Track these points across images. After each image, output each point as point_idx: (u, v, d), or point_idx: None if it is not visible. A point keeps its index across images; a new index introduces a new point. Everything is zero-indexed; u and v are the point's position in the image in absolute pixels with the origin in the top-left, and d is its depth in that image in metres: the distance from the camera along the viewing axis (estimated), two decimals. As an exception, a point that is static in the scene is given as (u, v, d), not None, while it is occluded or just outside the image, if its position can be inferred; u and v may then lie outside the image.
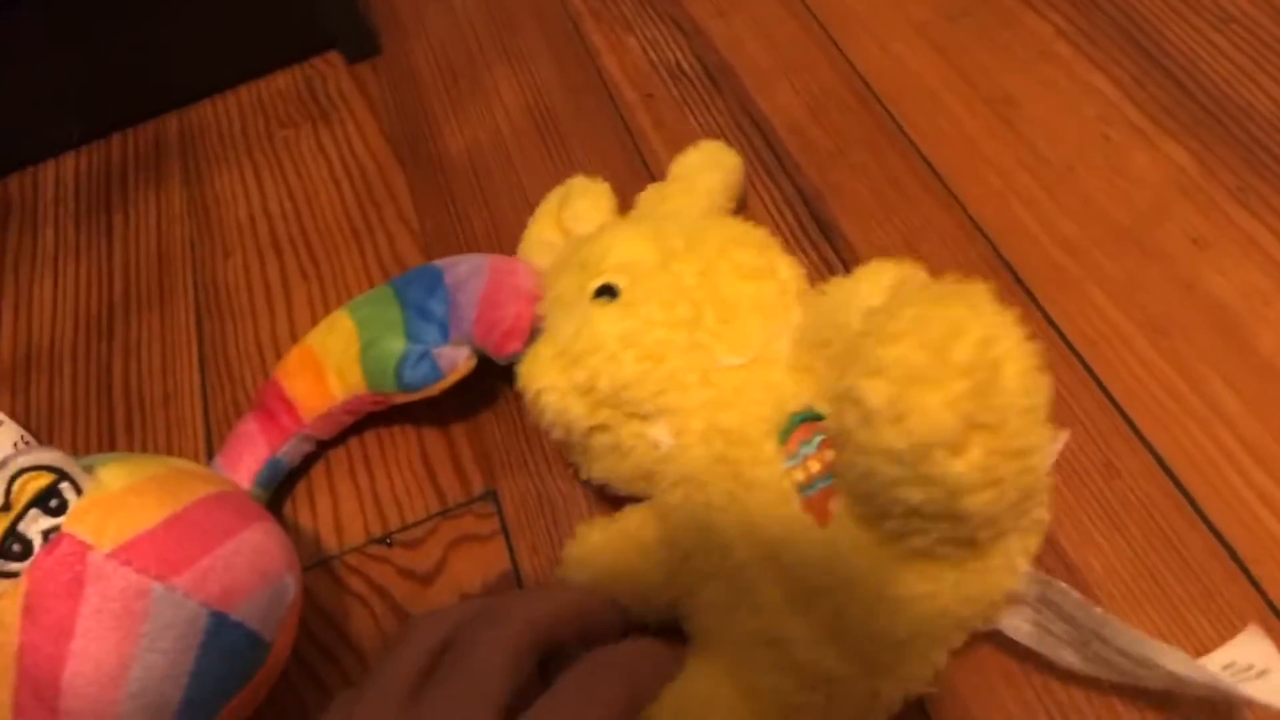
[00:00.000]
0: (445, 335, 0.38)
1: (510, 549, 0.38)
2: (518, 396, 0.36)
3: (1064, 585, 0.29)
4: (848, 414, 0.26)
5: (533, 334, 0.37)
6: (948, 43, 0.48)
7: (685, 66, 0.51)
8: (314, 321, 0.46)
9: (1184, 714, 0.30)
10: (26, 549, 0.30)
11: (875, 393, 0.25)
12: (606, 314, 0.33)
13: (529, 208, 0.43)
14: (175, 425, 0.44)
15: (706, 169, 0.40)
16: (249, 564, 0.32)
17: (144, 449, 0.44)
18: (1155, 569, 0.32)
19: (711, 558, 0.30)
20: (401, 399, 0.39)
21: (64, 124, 0.56)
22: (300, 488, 0.41)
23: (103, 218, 0.54)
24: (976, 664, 0.32)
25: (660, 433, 0.32)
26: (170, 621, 0.30)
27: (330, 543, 0.39)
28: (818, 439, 0.31)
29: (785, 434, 0.31)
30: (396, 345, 0.38)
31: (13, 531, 0.30)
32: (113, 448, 0.44)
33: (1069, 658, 0.30)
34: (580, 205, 0.41)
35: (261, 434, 0.40)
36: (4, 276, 0.52)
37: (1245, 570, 0.32)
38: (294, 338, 0.46)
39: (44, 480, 0.31)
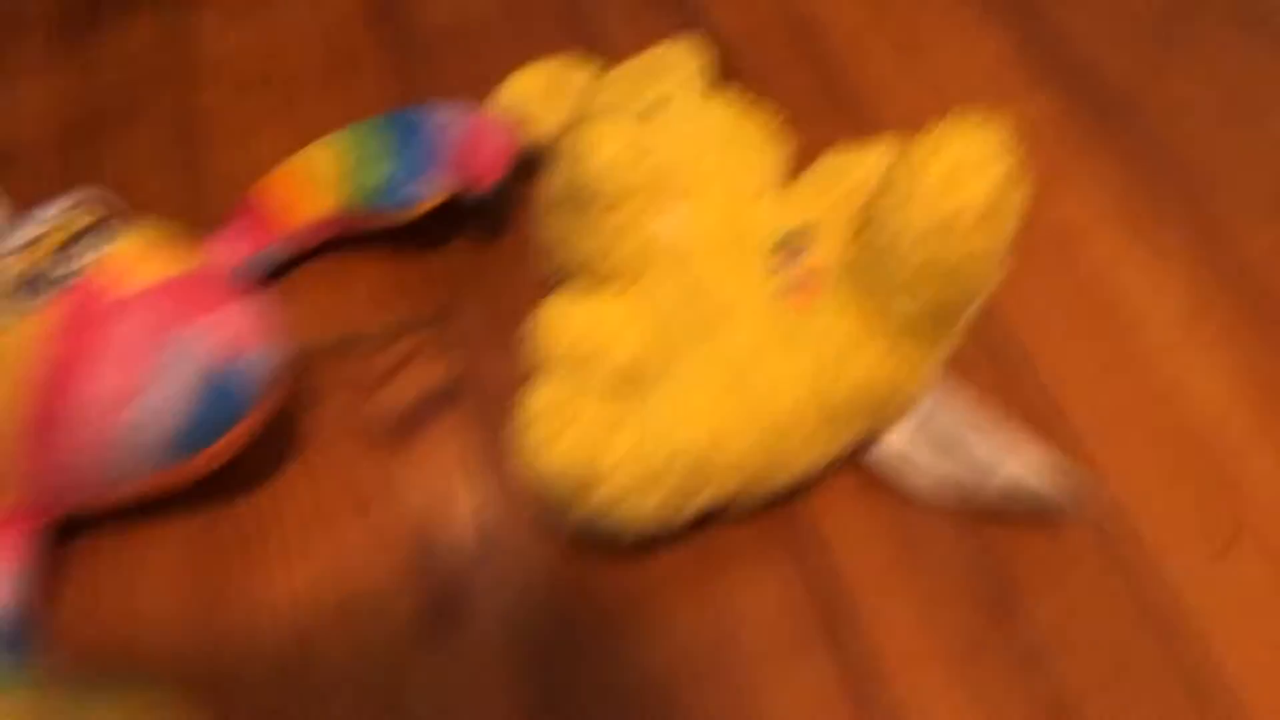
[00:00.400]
0: (430, 164, 0.43)
1: (454, 368, 0.44)
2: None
3: (947, 390, 0.38)
4: (891, 189, 0.34)
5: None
6: None
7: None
8: (290, 153, 0.50)
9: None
10: (63, 281, 0.34)
11: (934, 164, 0.33)
12: (661, 120, 0.40)
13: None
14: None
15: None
16: (246, 327, 0.37)
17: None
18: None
19: (696, 317, 0.37)
20: (378, 223, 0.44)
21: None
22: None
23: (76, 38, 0.56)
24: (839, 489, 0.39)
25: (669, 221, 0.38)
26: (175, 364, 0.35)
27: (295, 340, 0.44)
28: (801, 255, 0.38)
29: (776, 249, 0.38)
30: (382, 167, 0.43)
31: (58, 262, 0.34)
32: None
33: (921, 481, 0.38)
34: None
35: (236, 239, 0.44)
36: (-23, 78, 0.55)
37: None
38: (268, 168, 0.50)
39: (90, 218, 0.35)
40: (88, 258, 0.35)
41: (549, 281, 0.42)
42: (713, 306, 0.37)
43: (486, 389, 0.43)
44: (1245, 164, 0.48)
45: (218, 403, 0.36)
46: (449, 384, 0.43)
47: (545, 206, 0.41)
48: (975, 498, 0.38)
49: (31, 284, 0.34)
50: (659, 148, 0.39)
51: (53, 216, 0.35)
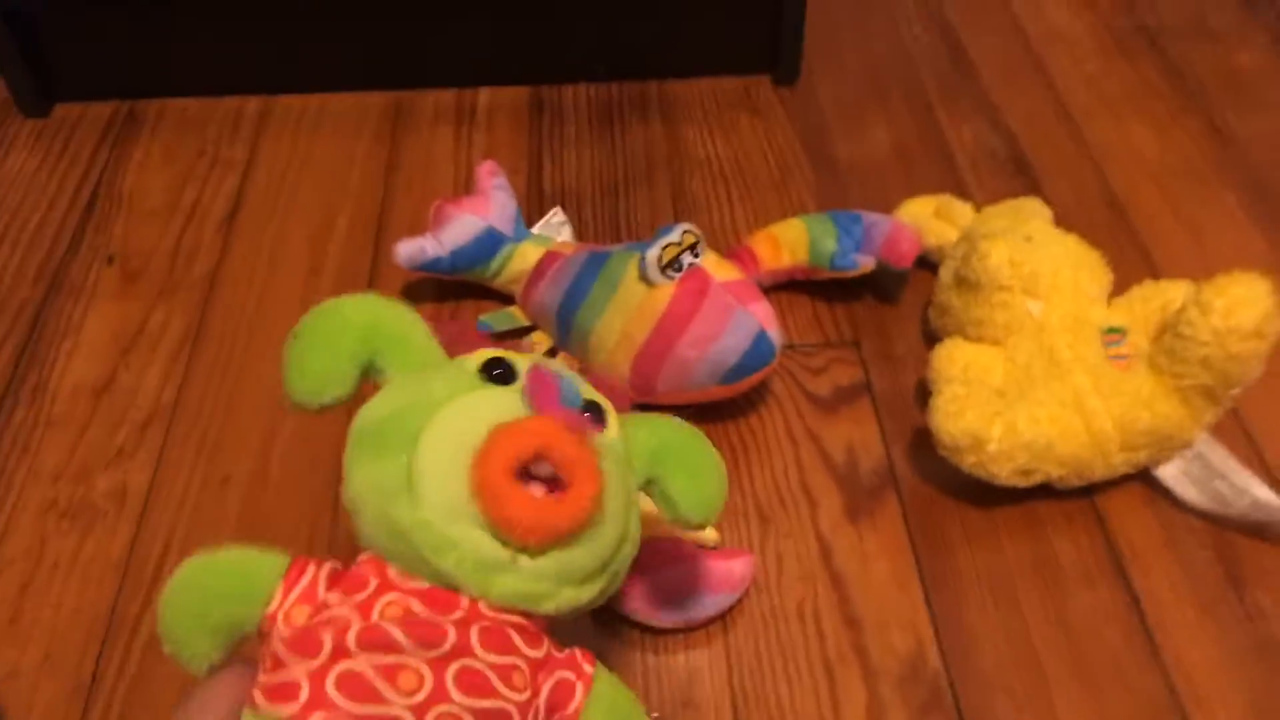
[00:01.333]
0: (858, 248, 0.67)
1: (865, 372, 0.66)
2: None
3: (1214, 440, 0.58)
4: (1190, 308, 0.54)
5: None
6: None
7: (998, 152, 0.81)
8: (748, 223, 0.75)
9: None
10: (680, 268, 0.59)
11: (1217, 301, 0.53)
12: (1035, 246, 0.62)
13: (890, 205, 0.72)
14: (661, 256, 0.73)
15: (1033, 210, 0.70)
16: (771, 314, 0.60)
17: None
18: None
19: (1041, 368, 0.58)
20: (825, 275, 0.68)
21: (596, 66, 0.87)
22: (740, 308, 0.70)
23: (606, 129, 0.84)
24: (1132, 497, 0.59)
25: (1036, 306, 0.60)
26: (740, 326, 0.58)
27: (758, 340, 0.68)
28: (1121, 340, 0.59)
29: (1105, 333, 0.60)
30: (831, 244, 0.67)
31: (676, 258, 0.59)
32: (619, 257, 0.73)
33: (1192, 494, 0.58)
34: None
35: (739, 269, 0.69)
36: (542, 143, 0.82)
37: None
38: (735, 232, 0.75)
39: (693, 239, 0.60)
40: (698, 257, 0.59)
41: (935, 333, 0.65)
42: (1060, 360, 0.59)
43: (879, 390, 0.65)
44: None
45: (757, 353, 0.59)
46: (856, 384, 0.65)
47: (945, 285, 0.64)
48: (1229, 509, 0.57)
49: (674, 264, 0.59)
50: (1031, 261, 0.61)
51: (679, 231, 0.59)
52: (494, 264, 0.68)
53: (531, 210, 0.76)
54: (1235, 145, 0.81)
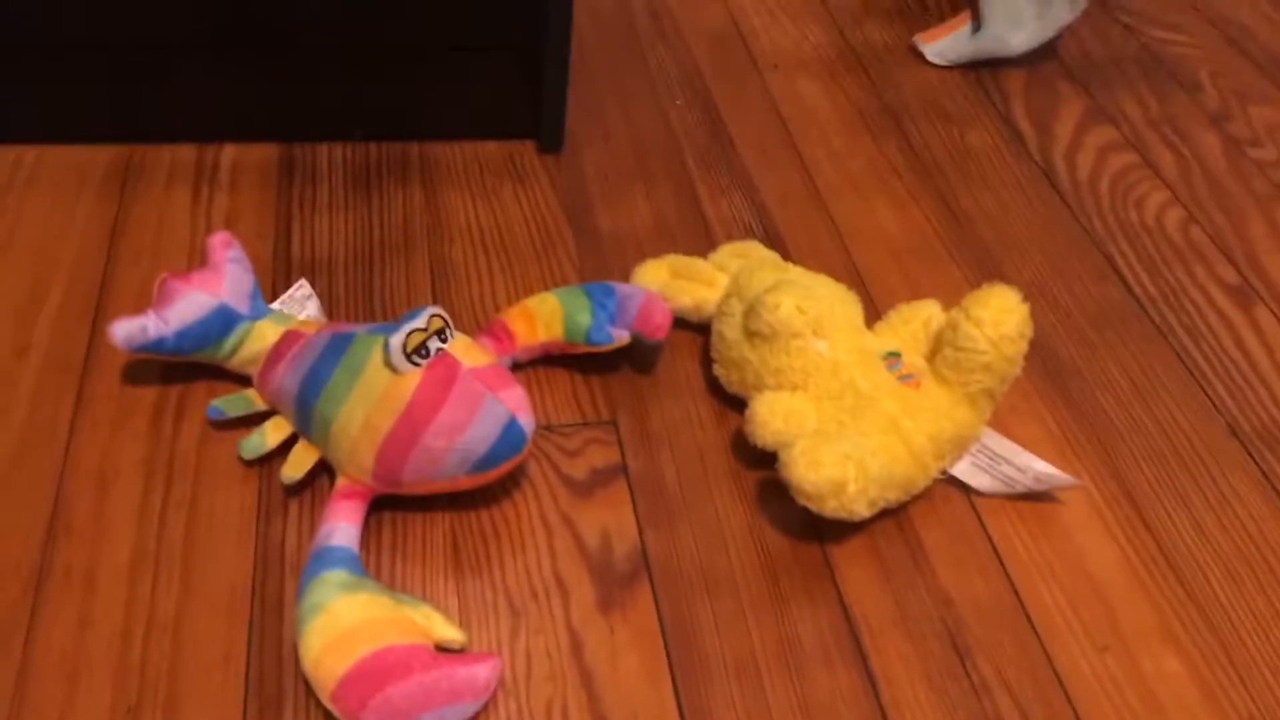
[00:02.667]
0: (613, 322, 0.67)
1: (622, 452, 0.66)
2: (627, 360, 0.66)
3: (993, 431, 0.65)
4: (965, 324, 0.62)
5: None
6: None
7: (754, 228, 0.83)
8: (507, 295, 0.74)
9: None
10: (427, 354, 0.57)
11: (985, 314, 0.61)
12: (810, 289, 0.65)
13: (663, 276, 0.73)
14: (415, 331, 0.71)
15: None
16: (523, 401, 0.59)
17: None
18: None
19: (850, 403, 0.62)
20: (580, 350, 0.67)
21: (352, 125, 0.83)
22: (497, 387, 0.68)
23: (363, 192, 0.81)
24: (867, 571, 0.61)
25: (824, 346, 0.63)
26: (489, 415, 0.57)
27: (514, 421, 0.66)
28: (899, 363, 0.65)
29: (884, 358, 0.65)
30: (586, 318, 0.67)
31: (423, 344, 0.57)
32: (371, 332, 0.70)
33: (984, 482, 0.65)
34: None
35: (492, 347, 0.67)
36: (292, 206, 0.78)
37: (1001, 558, 0.63)
38: (494, 301, 0.73)
39: (440, 323, 0.58)
40: (445, 342, 0.57)
41: (727, 388, 0.67)
42: (863, 392, 0.63)
43: (635, 471, 0.65)
44: (1138, 425, 0.73)
45: (507, 442, 0.57)
46: (612, 465, 0.65)
47: (733, 342, 0.67)
48: (1015, 487, 0.65)
49: (420, 350, 0.56)
50: (814, 304, 0.64)
51: (426, 315, 0.57)
52: (227, 344, 0.63)
53: (278, 281, 0.72)
54: (965, 223, 0.87)
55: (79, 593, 0.55)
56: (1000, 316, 0.62)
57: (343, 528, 0.56)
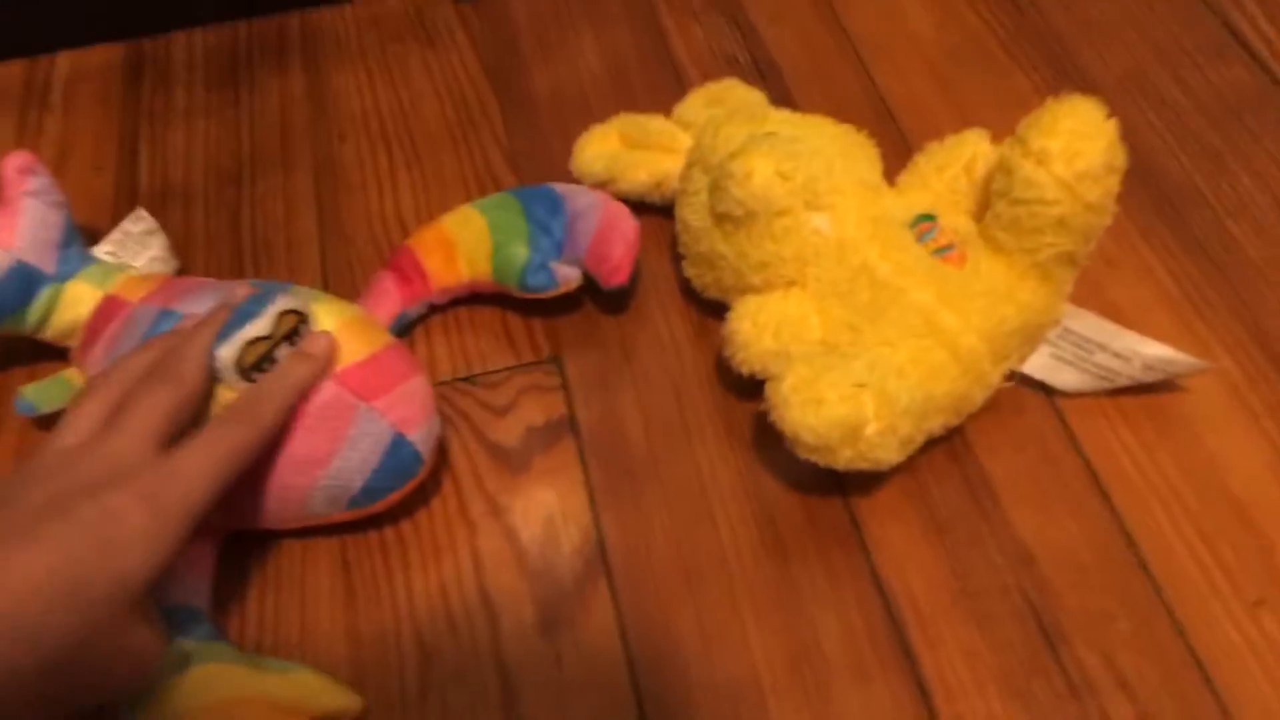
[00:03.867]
0: (559, 253, 0.49)
1: (568, 400, 0.49)
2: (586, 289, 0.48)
3: (1078, 308, 0.46)
4: (1025, 164, 0.41)
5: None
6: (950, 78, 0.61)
7: (739, 58, 0.63)
8: (416, 205, 0.57)
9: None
10: (274, 365, 0.40)
11: (1053, 145, 0.41)
12: (795, 142, 0.46)
13: (608, 146, 0.54)
14: (296, 267, 0.54)
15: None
16: (419, 401, 0.42)
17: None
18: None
19: (866, 298, 0.44)
20: (518, 294, 0.49)
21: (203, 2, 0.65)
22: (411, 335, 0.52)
23: (230, 88, 0.63)
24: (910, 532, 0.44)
25: (823, 221, 0.45)
26: (366, 432, 0.40)
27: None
28: (934, 229, 0.46)
29: (913, 226, 0.46)
30: (522, 251, 0.49)
31: (270, 354, 0.40)
32: (239, 277, 0.54)
33: (1071, 378, 0.47)
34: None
35: (397, 292, 0.50)
36: (139, 122, 0.61)
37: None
38: (398, 216, 0.56)
39: (293, 320, 0.41)
40: (286, 350, 0.41)
41: (701, 293, 0.50)
42: (882, 280, 0.44)
43: (587, 425, 0.48)
44: (1287, 257, 0.52)
45: (393, 469, 0.41)
46: (555, 421, 0.49)
47: (699, 231, 0.48)
48: (1117, 380, 0.47)
49: (266, 359, 0.40)
50: (801, 165, 0.45)
51: (271, 316, 0.40)
52: (30, 314, 0.48)
53: (122, 217, 0.56)
54: (1029, 8, 0.65)
55: None
56: (1075, 145, 0.41)
57: (183, 578, 0.41)
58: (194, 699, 0.37)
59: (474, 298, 0.52)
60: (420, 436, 0.42)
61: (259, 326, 0.40)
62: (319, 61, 0.64)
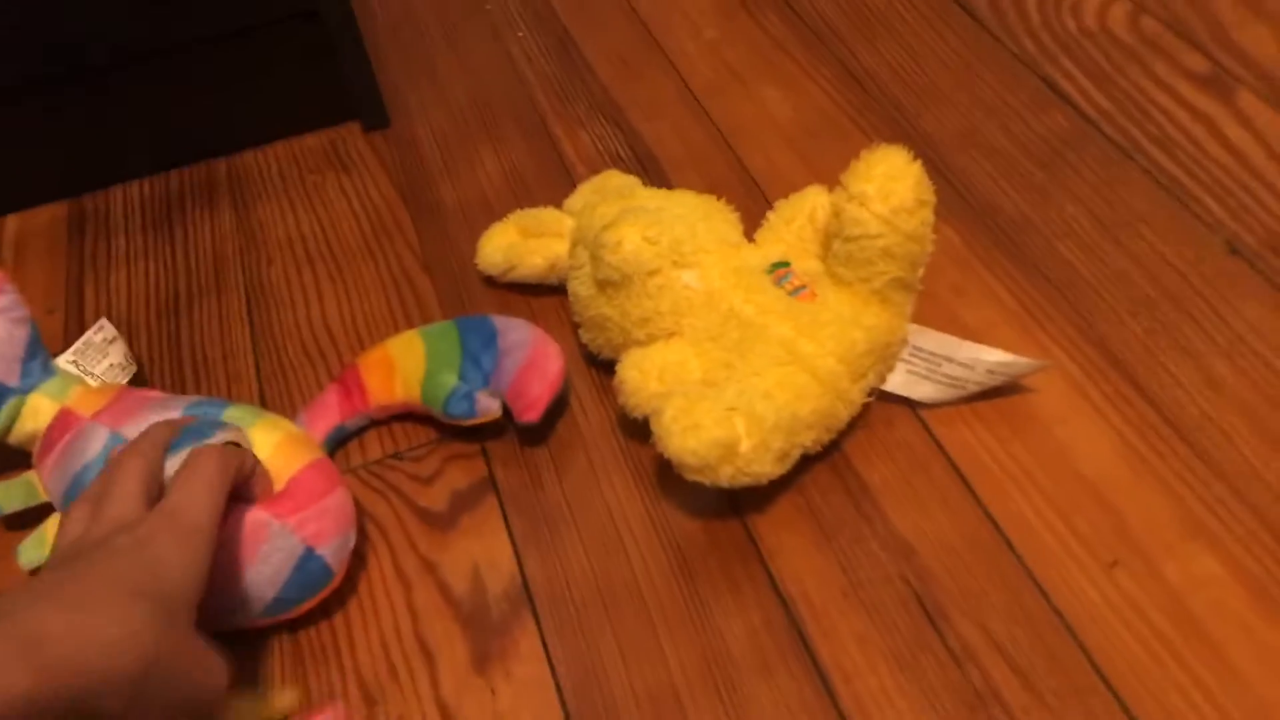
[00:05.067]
0: (487, 382, 0.54)
1: (487, 463, 0.54)
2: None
3: (922, 327, 0.52)
4: (849, 206, 0.48)
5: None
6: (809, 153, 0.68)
7: (622, 154, 0.71)
8: (340, 312, 0.63)
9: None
10: None
11: (869, 188, 0.48)
12: (659, 212, 0.53)
13: (508, 241, 0.61)
14: (233, 378, 0.60)
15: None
16: (333, 517, 0.47)
17: (209, 395, 0.59)
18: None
19: (735, 337, 0.50)
20: (443, 420, 0.54)
21: (141, 159, 0.72)
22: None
23: (165, 231, 0.69)
24: (799, 537, 0.49)
25: (691, 276, 0.51)
26: (279, 547, 0.45)
27: (357, 457, 0.55)
28: (789, 273, 0.52)
29: (770, 272, 0.52)
30: (450, 380, 0.54)
31: None
32: (183, 392, 0.59)
33: (927, 390, 0.52)
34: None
35: (337, 406, 0.55)
36: (84, 267, 0.67)
37: (965, 481, 0.50)
38: (324, 323, 0.62)
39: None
40: None
41: (598, 354, 0.56)
42: (748, 320, 0.51)
43: (505, 483, 0.53)
44: (1115, 271, 0.59)
45: (302, 582, 0.46)
46: (477, 483, 0.53)
47: (587, 299, 0.55)
48: (967, 388, 0.53)
49: None
50: (665, 231, 0.51)
51: (221, 439, 0.46)
52: (-3, 421, 0.52)
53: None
54: (871, 85, 0.73)
55: None
56: (888, 185, 0.48)
57: None
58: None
59: (409, 417, 0.57)
60: (331, 550, 0.46)
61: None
62: (245, 197, 0.71)
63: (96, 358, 0.57)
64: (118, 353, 0.58)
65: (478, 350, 0.54)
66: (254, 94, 0.72)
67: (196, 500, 0.40)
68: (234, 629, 0.47)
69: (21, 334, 0.54)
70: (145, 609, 0.36)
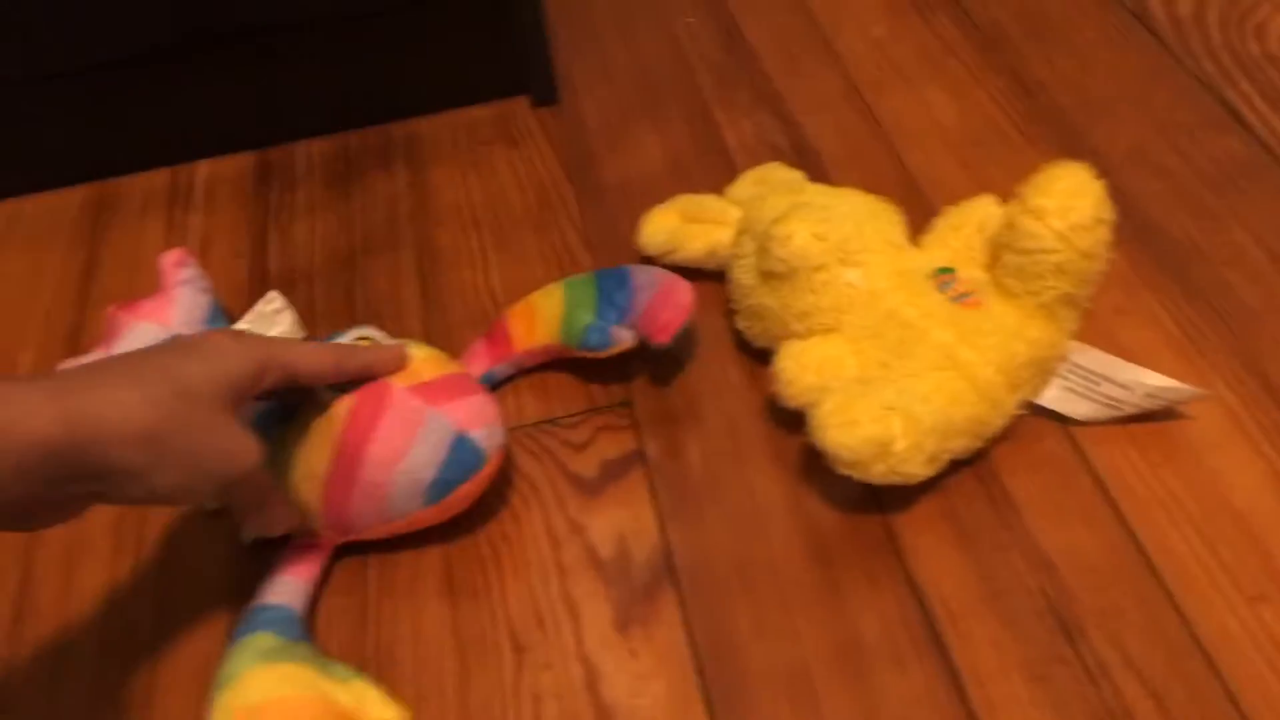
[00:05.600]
0: (622, 318, 0.57)
1: (638, 436, 0.56)
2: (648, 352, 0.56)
3: (1084, 345, 0.53)
4: (1025, 218, 0.49)
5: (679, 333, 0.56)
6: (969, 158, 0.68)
7: (782, 146, 0.72)
8: (504, 280, 0.66)
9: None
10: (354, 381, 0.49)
11: (1049, 203, 0.49)
12: (828, 209, 0.55)
13: (667, 224, 0.63)
14: (401, 333, 0.62)
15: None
16: (478, 409, 0.50)
17: (378, 345, 0.62)
18: (1057, 494, 0.51)
19: (894, 338, 0.51)
20: (581, 354, 0.57)
21: (310, 118, 0.76)
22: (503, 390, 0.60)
23: (342, 187, 0.73)
24: (942, 543, 0.50)
25: (855, 275, 0.53)
26: (434, 430, 0.48)
27: (514, 419, 0.58)
28: (953, 280, 0.53)
29: (933, 277, 0.53)
30: (587, 317, 0.57)
31: None
32: (355, 341, 0.63)
33: (1082, 408, 0.53)
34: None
35: (486, 353, 0.59)
36: (268, 217, 0.72)
37: (1112, 501, 0.51)
38: (489, 288, 0.65)
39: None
40: None
41: (753, 343, 0.58)
42: (909, 323, 0.52)
43: (654, 457, 0.55)
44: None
45: (458, 462, 0.49)
46: (627, 454, 0.56)
47: (749, 288, 0.57)
48: (1123, 409, 0.53)
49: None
50: (834, 228, 0.53)
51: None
52: (184, 381, 0.57)
53: (256, 300, 0.66)
54: (1041, 95, 0.73)
55: (46, 677, 0.50)
56: (1068, 202, 0.49)
57: (285, 582, 0.49)
58: (263, 690, 0.44)
59: (559, 364, 0.60)
60: (481, 435, 0.49)
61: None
62: (419, 161, 0.74)
63: (267, 326, 0.61)
64: (287, 321, 0.62)
65: (612, 289, 0.58)
66: (428, 62, 0.75)
67: (287, 341, 0.46)
68: (409, 525, 0.50)
69: (204, 301, 0.58)
70: (164, 382, 0.40)
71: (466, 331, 0.62)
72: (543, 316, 0.58)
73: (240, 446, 0.43)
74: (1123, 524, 0.50)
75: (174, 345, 0.43)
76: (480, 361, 0.59)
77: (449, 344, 0.62)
